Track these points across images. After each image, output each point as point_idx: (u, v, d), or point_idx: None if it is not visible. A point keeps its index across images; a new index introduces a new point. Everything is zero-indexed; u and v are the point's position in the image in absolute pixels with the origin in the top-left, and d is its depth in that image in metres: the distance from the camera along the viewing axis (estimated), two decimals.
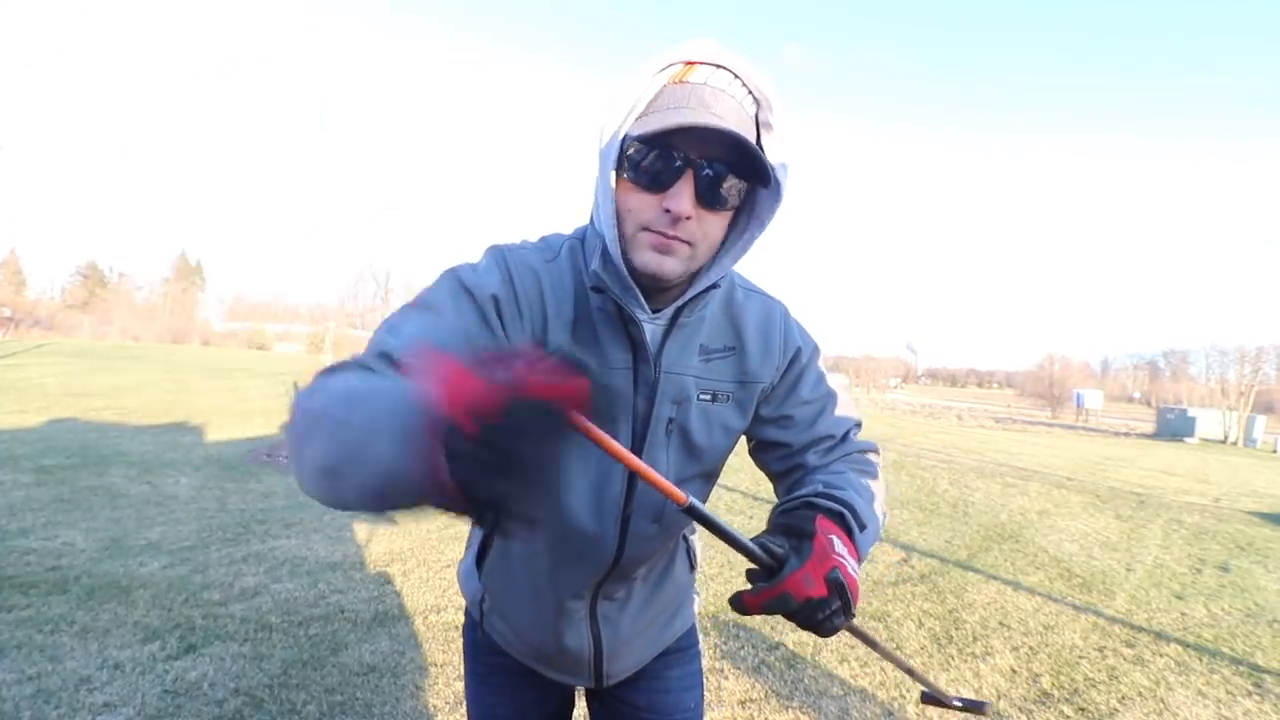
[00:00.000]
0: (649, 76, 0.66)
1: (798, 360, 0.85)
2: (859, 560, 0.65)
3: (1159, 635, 3.37)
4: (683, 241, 0.67)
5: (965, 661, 2.92)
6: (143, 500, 4.94)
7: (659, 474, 0.51)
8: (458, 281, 0.71)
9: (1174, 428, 25.53)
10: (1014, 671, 2.85)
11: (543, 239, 0.81)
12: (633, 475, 0.77)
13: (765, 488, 6.70)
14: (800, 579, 0.59)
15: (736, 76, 0.67)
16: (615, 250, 0.69)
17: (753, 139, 0.66)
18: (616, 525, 0.80)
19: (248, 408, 10.68)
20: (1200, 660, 3.08)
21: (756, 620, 3.27)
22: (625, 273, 0.69)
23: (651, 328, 0.75)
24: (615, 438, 0.47)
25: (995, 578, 4.18)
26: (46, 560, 3.50)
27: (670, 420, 0.78)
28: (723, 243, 0.73)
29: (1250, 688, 2.81)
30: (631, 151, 0.66)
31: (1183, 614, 3.72)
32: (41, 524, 4.18)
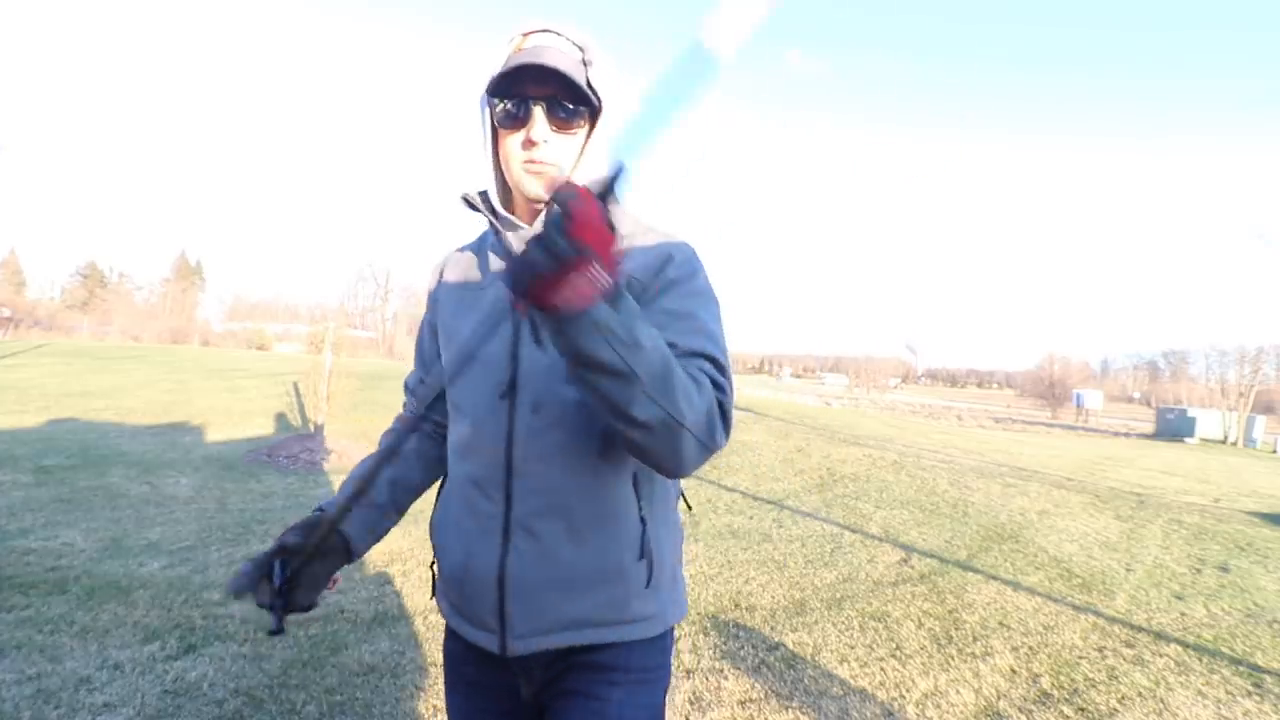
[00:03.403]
0: (500, 50, 0.88)
1: (667, 268, 0.85)
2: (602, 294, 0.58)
3: (1159, 635, 3.36)
4: (546, 164, 0.85)
5: (965, 662, 2.92)
6: (142, 500, 4.94)
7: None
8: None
9: (1174, 428, 25.52)
10: (1014, 672, 2.85)
11: None
12: (517, 358, 0.86)
13: (766, 487, 6.70)
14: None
15: (560, 34, 0.88)
16: (493, 188, 0.92)
17: (582, 78, 0.85)
18: (505, 413, 0.86)
19: (248, 408, 10.68)
20: (1200, 660, 3.08)
21: (757, 620, 3.27)
22: (497, 202, 0.91)
23: (526, 233, 0.90)
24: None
25: (995, 578, 4.18)
26: (46, 560, 3.50)
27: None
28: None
29: (1250, 688, 2.81)
30: (496, 108, 0.87)
31: (1182, 614, 3.72)
32: (41, 524, 4.17)
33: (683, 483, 1.00)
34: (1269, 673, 2.97)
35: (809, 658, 2.87)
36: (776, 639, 3.03)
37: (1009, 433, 21.53)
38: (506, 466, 0.86)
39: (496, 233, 0.92)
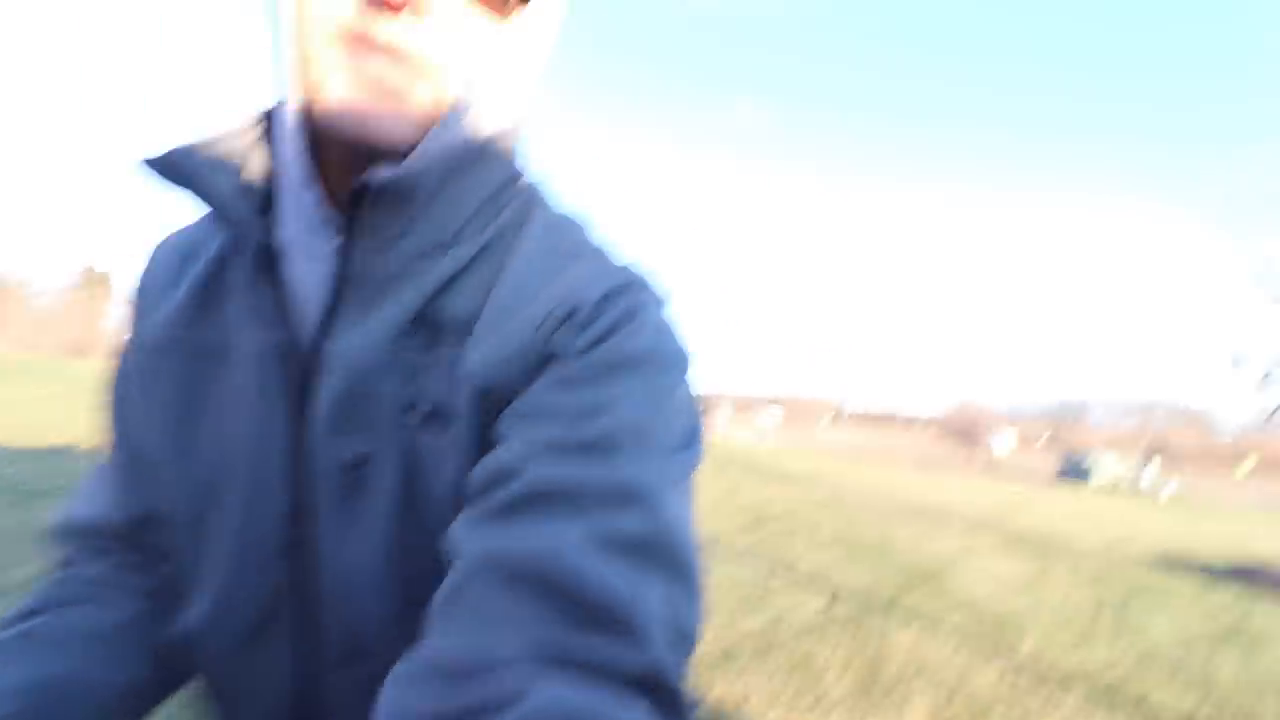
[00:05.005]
0: None
1: (575, 322, 0.41)
2: None
3: (1066, 678, 3.51)
4: (407, 55, 0.37)
5: (885, 711, 2.95)
6: (13, 536, 4.42)
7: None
8: None
9: (1074, 473, 27.39)
10: (931, 719, 2.89)
11: None
12: (301, 562, 0.43)
13: (698, 529, 6.66)
14: None
15: None
16: (293, 125, 0.42)
17: None
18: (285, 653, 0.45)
19: None
20: (1103, 702, 3.22)
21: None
22: (303, 145, 0.42)
23: (319, 269, 0.42)
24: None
25: (916, 620, 4.28)
26: None
27: (360, 460, 0.42)
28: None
29: None
30: None
31: (1086, 656, 3.90)
32: None
33: None
34: (1162, 712, 3.14)
35: (734, 710, 2.82)
36: (704, 691, 2.97)
37: (928, 475, 22.52)
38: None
39: (255, 247, 0.42)
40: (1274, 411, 6.58)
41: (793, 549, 6.12)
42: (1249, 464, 41.45)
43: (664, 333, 0.43)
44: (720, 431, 38.64)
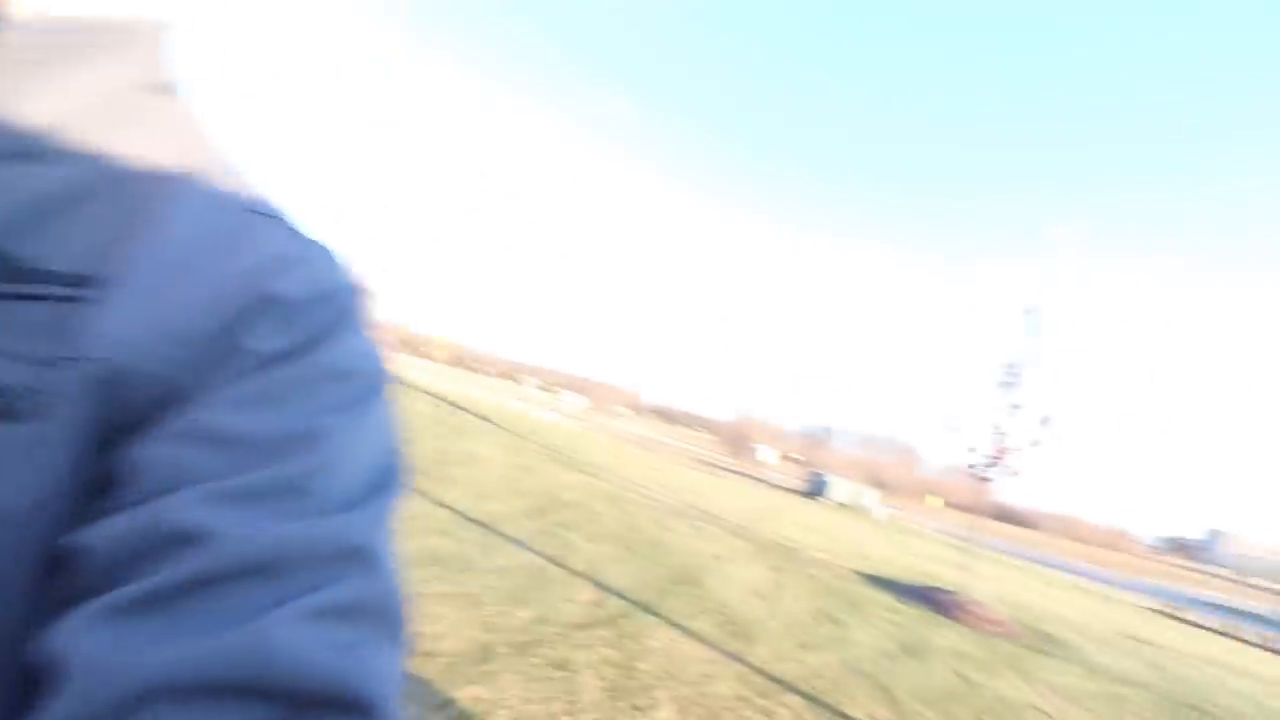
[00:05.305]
0: None
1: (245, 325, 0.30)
2: None
3: (786, 685, 3.93)
4: None
5: (631, 716, 3.02)
6: None
7: None
8: None
9: (816, 489, 31.88)
10: None
11: None
12: None
13: (482, 508, 6.39)
14: None
15: None
16: None
17: None
18: None
19: None
20: (811, 710, 3.66)
21: (436, 668, 2.97)
22: None
23: None
24: None
25: (672, 623, 4.51)
26: None
27: None
28: None
29: None
30: None
31: (803, 664, 4.43)
32: None
33: None
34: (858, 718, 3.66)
35: (483, 714, 2.67)
36: (451, 693, 2.77)
37: (704, 475, 24.58)
38: None
39: None
40: (970, 467, 8.14)
41: (572, 540, 6.15)
42: (938, 500, 52.27)
43: (369, 343, 0.35)
44: (525, 407, 38.21)
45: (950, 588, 8.76)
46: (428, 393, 18.53)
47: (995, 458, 8.14)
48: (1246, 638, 16.68)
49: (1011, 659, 6.18)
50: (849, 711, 3.78)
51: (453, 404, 17.74)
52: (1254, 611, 30.31)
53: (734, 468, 39.84)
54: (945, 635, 6.51)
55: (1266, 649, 15.20)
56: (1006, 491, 8.64)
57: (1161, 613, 18.47)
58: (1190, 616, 18.99)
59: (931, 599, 8.01)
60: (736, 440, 60.63)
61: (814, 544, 11.22)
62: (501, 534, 5.70)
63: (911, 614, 7.14)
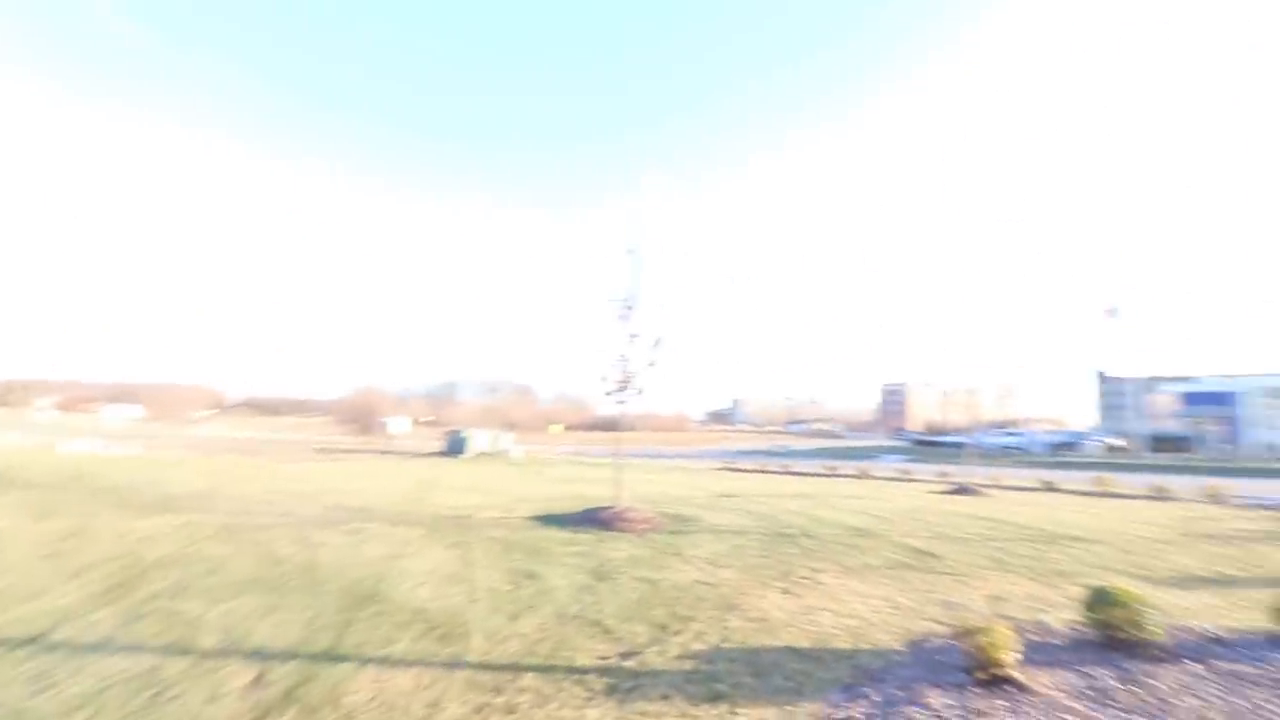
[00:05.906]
0: None
1: None
2: None
3: (514, 668, 3.71)
4: None
5: None
6: None
7: None
8: None
9: (455, 446, 31.80)
10: None
11: None
12: None
13: (15, 613, 4.19)
14: None
15: None
16: None
17: None
18: None
19: None
20: (549, 681, 3.53)
21: None
22: None
23: None
24: None
25: (368, 660, 3.78)
26: None
27: None
28: None
29: (585, 695, 3.38)
30: None
31: (522, 635, 4.28)
32: None
33: None
34: (592, 671, 3.68)
35: None
36: None
37: (334, 464, 21.81)
38: None
39: None
40: (607, 394, 9.02)
41: (190, 611, 4.58)
42: (559, 427, 58.35)
43: None
44: (48, 437, 26.71)
45: (604, 503, 9.80)
46: None
47: (623, 382, 9.22)
48: (773, 469, 23.80)
49: (667, 547, 7.26)
50: (581, 662, 3.81)
51: None
52: (770, 450, 44.54)
53: (366, 446, 36.57)
54: (618, 547, 7.23)
55: (785, 473, 22.01)
56: (603, 406, 9.96)
57: (726, 469, 24.66)
58: (741, 465, 26.03)
59: (595, 519, 8.81)
60: (360, 417, 55.57)
61: (477, 504, 11.09)
62: (67, 644, 3.84)
63: (586, 539, 7.70)
